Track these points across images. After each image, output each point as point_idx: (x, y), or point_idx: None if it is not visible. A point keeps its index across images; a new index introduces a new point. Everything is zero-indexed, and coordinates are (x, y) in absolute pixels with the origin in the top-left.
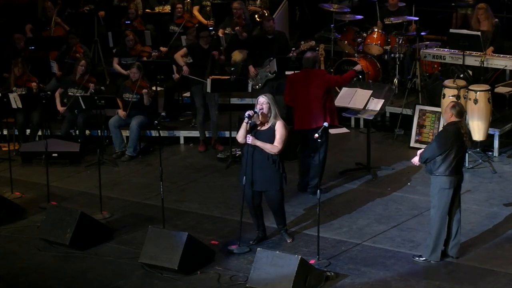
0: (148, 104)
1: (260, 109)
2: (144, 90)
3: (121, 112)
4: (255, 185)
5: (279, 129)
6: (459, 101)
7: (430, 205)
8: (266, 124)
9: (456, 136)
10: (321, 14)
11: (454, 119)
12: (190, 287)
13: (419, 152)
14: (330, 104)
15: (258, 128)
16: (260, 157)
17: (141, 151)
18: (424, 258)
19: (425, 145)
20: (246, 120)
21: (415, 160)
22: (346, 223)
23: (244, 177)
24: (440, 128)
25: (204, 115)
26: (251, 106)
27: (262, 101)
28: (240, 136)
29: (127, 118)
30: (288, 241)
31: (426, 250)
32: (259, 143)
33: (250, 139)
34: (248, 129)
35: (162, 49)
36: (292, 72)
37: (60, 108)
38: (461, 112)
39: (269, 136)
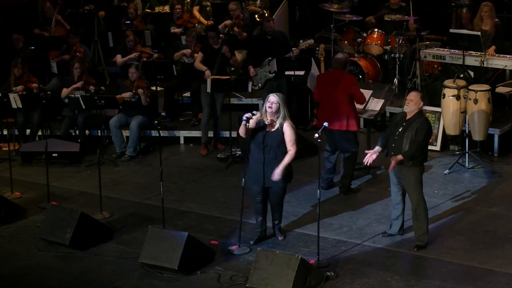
0: (146, 104)
1: (269, 107)
2: (140, 90)
3: (127, 94)
4: (260, 181)
5: (288, 131)
6: (459, 101)
7: (411, 199)
8: (274, 125)
9: None
10: (321, 14)
11: (421, 107)
12: (190, 287)
13: (397, 158)
14: (354, 109)
15: (267, 129)
16: (268, 156)
17: (141, 151)
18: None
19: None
20: (244, 122)
21: (394, 163)
22: (346, 223)
23: (243, 179)
24: (440, 128)
25: (209, 115)
26: (252, 106)
27: (273, 100)
28: (242, 132)
29: (127, 118)
30: (280, 239)
31: (424, 238)
32: (281, 169)
33: (276, 176)
34: (255, 127)
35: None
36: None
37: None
38: (424, 98)
39: (277, 138)
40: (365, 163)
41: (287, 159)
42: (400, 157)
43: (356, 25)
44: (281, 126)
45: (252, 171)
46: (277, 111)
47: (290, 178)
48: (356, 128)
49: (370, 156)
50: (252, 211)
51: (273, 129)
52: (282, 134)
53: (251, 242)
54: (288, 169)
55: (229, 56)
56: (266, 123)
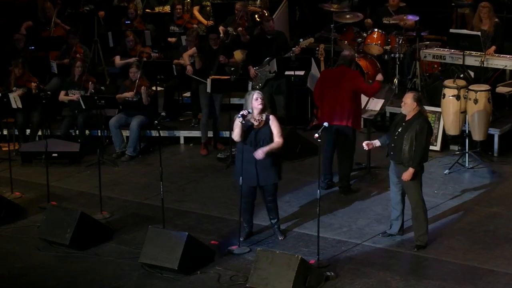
0: (147, 104)
1: (259, 104)
2: (143, 88)
3: (129, 94)
4: (252, 181)
5: (274, 123)
6: (459, 101)
7: (410, 199)
8: (260, 120)
9: None
10: (321, 14)
11: (418, 108)
12: (190, 287)
13: (409, 171)
14: (357, 107)
15: (255, 127)
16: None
17: (141, 151)
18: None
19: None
20: (240, 119)
21: (408, 175)
22: (346, 223)
23: (241, 178)
24: (440, 128)
25: (208, 115)
26: None
27: (260, 96)
28: (236, 135)
29: (127, 118)
30: (280, 239)
31: (424, 238)
32: (267, 149)
33: (260, 155)
34: (244, 129)
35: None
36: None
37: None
38: (420, 99)
39: (268, 133)
40: (364, 146)
41: (274, 145)
42: (411, 170)
43: (356, 25)
44: (267, 119)
45: (244, 170)
46: (265, 106)
47: (281, 174)
48: (356, 126)
49: (368, 144)
50: None
51: (261, 126)
52: (270, 128)
53: (241, 239)
54: (279, 166)
55: (226, 62)
56: (254, 122)
